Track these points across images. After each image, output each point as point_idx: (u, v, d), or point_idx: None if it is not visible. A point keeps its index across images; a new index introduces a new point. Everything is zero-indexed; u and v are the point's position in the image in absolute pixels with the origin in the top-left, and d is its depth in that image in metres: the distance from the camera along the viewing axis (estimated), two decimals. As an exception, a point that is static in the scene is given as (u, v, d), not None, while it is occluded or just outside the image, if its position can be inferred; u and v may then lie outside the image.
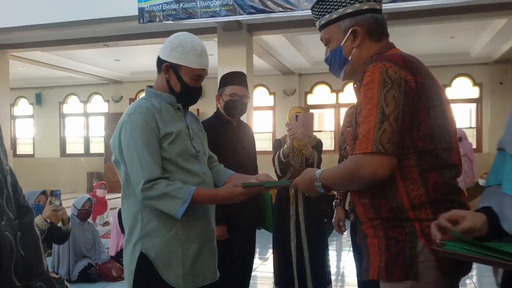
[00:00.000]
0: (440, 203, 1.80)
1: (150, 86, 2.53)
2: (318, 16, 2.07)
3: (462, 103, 12.72)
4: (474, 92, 12.36)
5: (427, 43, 10.56)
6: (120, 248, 6.43)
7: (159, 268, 2.29)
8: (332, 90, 13.26)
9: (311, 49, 11.00)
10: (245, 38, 8.78)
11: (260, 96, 13.69)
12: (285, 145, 4.28)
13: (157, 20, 7.83)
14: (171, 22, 7.81)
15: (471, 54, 11.46)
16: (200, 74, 2.43)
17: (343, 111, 13.04)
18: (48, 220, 4.09)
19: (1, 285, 1.21)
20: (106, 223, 9.17)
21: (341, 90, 13.06)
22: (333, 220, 4.16)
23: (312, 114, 4.41)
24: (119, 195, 8.48)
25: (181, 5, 7.67)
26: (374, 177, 1.78)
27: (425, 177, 1.81)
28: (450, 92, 12.46)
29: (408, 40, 9.92)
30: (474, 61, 11.75)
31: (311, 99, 13.63)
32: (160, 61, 2.44)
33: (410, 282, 1.78)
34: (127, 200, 2.39)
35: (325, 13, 2.03)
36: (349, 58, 2.02)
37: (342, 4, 1.98)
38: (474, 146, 12.13)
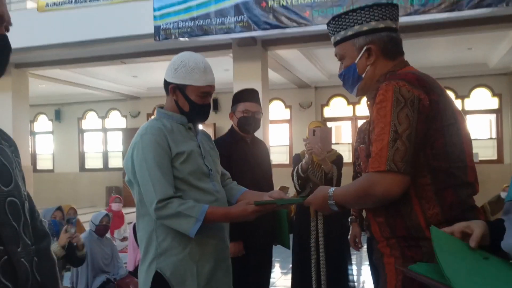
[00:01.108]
0: (456, 222, 1.75)
1: (161, 107, 2.55)
2: (333, 32, 2.08)
3: (482, 114, 12.63)
4: (494, 103, 12.26)
5: (444, 54, 10.52)
6: (137, 263, 6.44)
7: (174, 287, 2.30)
8: (349, 103, 13.24)
9: (326, 62, 11.01)
10: (260, 53, 8.83)
11: (276, 110, 13.71)
12: (304, 160, 4.29)
13: (173, 37, 7.92)
14: (187, 39, 7.88)
15: (489, 65, 11.38)
16: (206, 91, 2.43)
17: (361, 123, 13.04)
18: (65, 246, 4.17)
19: None
20: (124, 238, 9.21)
21: (358, 102, 13.03)
22: (349, 237, 4.14)
23: (329, 129, 4.42)
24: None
25: (196, 22, 7.74)
26: (387, 196, 1.78)
27: (440, 196, 1.80)
28: (469, 103, 12.37)
29: (425, 52, 9.89)
30: (492, 71, 11.67)
31: (327, 112, 13.62)
32: (166, 83, 2.46)
33: None
34: (142, 220, 2.41)
35: (341, 30, 2.03)
36: (363, 75, 2.02)
37: (358, 21, 1.99)
38: (495, 157, 12.02)
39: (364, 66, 2.01)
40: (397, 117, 1.75)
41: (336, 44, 2.08)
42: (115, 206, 9.25)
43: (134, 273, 6.18)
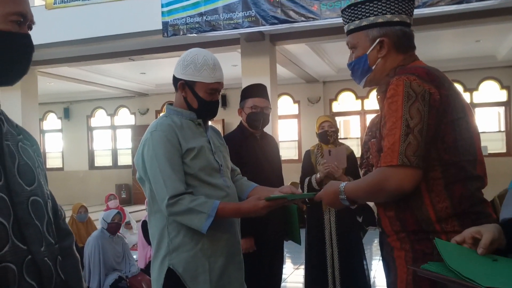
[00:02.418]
0: (466, 215, 1.78)
1: (170, 104, 2.56)
2: (347, 21, 2.07)
3: (490, 107, 12.56)
4: (502, 95, 12.19)
5: (452, 47, 10.47)
6: (148, 259, 6.51)
7: (186, 283, 2.31)
8: (357, 97, 13.21)
9: (334, 56, 10.99)
10: (268, 48, 8.82)
11: (285, 105, 13.70)
12: (318, 175, 4.38)
13: (181, 33, 7.90)
14: (195, 35, 7.88)
15: (497, 57, 11.31)
16: (215, 88, 2.45)
17: (369, 117, 13.07)
18: None
19: None
20: (128, 225, 9.30)
21: (366, 96, 13.00)
22: None
23: (344, 148, 4.56)
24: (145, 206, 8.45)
25: (204, 18, 7.73)
26: (400, 190, 1.78)
27: (450, 190, 1.80)
28: (477, 96, 12.31)
29: (433, 45, 9.84)
30: (500, 64, 11.60)
31: (336, 107, 13.60)
32: (175, 80, 2.47)
33: None
34: (153, 217, 2.42)
35: (355, 19, 2.03)
36: (373, 67, 2.03)
37: (374, 12, 1.98)
38: (504, 150, 11.96)
39: (375, 58, 2.01)
40: (408, 111, 1.76)
41: (349, 33, 2.08)
42: (112, 204, 9.34)
43: (146, 270, 6.23)
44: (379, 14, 1.97)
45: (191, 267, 2.32)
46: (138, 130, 15.43)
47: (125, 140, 16.24)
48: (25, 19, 1.28)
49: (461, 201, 1.80)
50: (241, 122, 3.70)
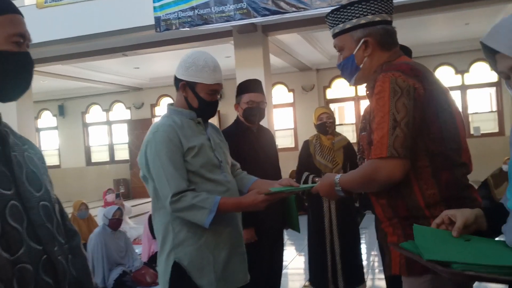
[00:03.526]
0: (453, 200, 1.90)
1: (171, 104, 2.66)
2: (332, 25, 2.18)
3: (482, 88, 12.67)
4: (493, 76, 12.29)
5: (442, 31, 10.55)
6: (152, 253, 6.62)
7: (192, 275, 2.42)
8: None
9: (327, 44, 11.06)
10: (260, 39, 8.89)
11: (279, 94, 13.78)
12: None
13: (174, 28, 7.97)
14: (187, 29, 7.93)
15: (487, 39, 11.40)
16: (215, 89, 2.55)
17: (363, 103, 13.17)
18: None
19: None
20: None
21: (360, 82, 13.05)
22: None
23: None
24: (145, 200, 8.71)
25: (196, 11, 7.79)
26: (390, 180, 1.90)
27: (437, 177, 1.92)
28: (468, 78, 12.43)
29: (423, 29, 9.93)
30: (491, 45, 11.68)
31: (330, 94, 13.69)
32: (177, 80, 2.57)
33: (430, 276, 1.88)
34: (158, 213, 2.53)
35: (339, 22, 2.14)
36: (361, 66, 2.13)
37: (356, 15, 2.09)
38: (496, 130, 12.10)
39: (361, 57, 2.11)
40: (395, 106, 1.87)
41: (335, 36, 2.18)
42: (109, 198, 9.43)
43: (149, 264, 6.33)
44: (361, 16, 2.08)
45: (196, 260, 2.43)
46: (134, 124, 15.51)
47: (121, 135, 16.30)
48: (24, 39, 1.39)
49: (447, 187, 1.92)
50: (237, 117, 3.78)
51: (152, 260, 6.52)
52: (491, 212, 1.63)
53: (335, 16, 2.15)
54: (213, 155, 2.55)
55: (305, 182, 4.67)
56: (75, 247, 1.54)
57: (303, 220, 3.53)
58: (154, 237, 6.67)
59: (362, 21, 2.08)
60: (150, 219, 6.74)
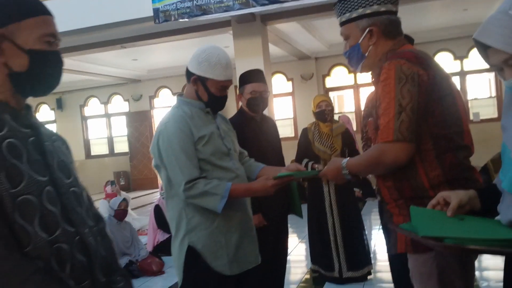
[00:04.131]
0: (456, 181, 1.99)
1: (181, 95, 2.75)
2: (339, 14, 2.27)
3: (481, 73, 12.69)
4: (492, 62, 12.30)
5: (441, 17, 10.57)
6: (156, 243, 6.71)
7: (206, 258, 2.53)
8: (350, 71, 13.29)
9: (325, 32, 11.07)
10: (259, 28, 8.89)
11: (279, 83, 13.79)
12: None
13: (172, 19, 7.97)
14: (186, 20, 7.94)
15: (485, 24, 11.41)
16: (225, 85, 2.64)
17: (363, 91, 13.21)
18: None
19: (92, 282, 1.44)
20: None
21: (358, 70, 13.07)
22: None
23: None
24: (145, 192, 8.87)
25: (194, 2, 7.80)
26: (396, 162, 1.99)
27: (441, 159, 2.02)
28: (467, 64, 12.45)
29: (422, 16, 9.94)
30: (489, 30, 11.70)
31: (329, 82, 13.71)
32: (188, 73, 2.65)
33: (434, 253, 1.99)
34: (171, 200, 2.62)
35: (346, 12, 2.22)
36: (366, 54, 2.22)
37: (362, 5, 2.18)
38: (496, 115, 12.15)
39: (366, 45, 2.21)
40: (400, 92, 1.97)
41: (342, 24, 2.27)
42: (109, 189, 9.49)
43: (154, 253, 6.40)
44: (366, 6, 2.17)
45: (209, 243, 2.53)
46: (132, 117, 15.52)
47: (120, 127, 16.31)
48: (55, 39, 1.49)
49: (451, 169, 2.02)
50: (241, 107, 3.85)
51: (157, 250, 6.60)
52: (484, 193, 1.73)
53: (342, 5, 2.24)
54: (222, 143, 2.64)
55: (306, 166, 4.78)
56: (101, 229, 1.63)
57: (303, 208, 3.63)
58: (159, 227, 6.74)
59: (368, 11, 2.17)
60: (155, 210, 6.82)
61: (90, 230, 1.50)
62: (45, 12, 1.48)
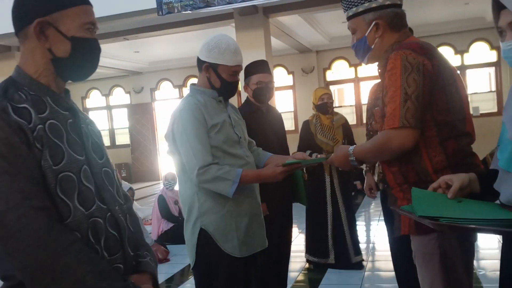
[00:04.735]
0: (458, 166, 2.08)
1: (194, 84, 2.85)
2: (346, 8, 2.36)
3: (481, 68, 12.78)
4: (492, 56, 12.39)
5: (442, 11, 10.61)
6: (161, 232, 6.84)
7: (217, 240, 2.64)
8: (351, 65, 13.37)
9: (327, 26, 11.12)
10: (261, 21, 8.94)
11: (279, 76, 13.83)
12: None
13: (176, 11, 8.01)
14: (189, 12, 7.99)
15: (486, 19, 11.46)
16: (236, 70, 2.74)
17: (363, 85, 13.28)
18: None
19: (123, 254, 1.55)
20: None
21: (360, 64, 13.13)
22: (364, 186, 4.47)
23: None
24: (146, 184, 9.04)
25: (197, -6, 7.83)
26: (402, 148, 2.09)
27: (444, 145, 2.12)
28: (468, 58, 12.51)
29: (423, 10, 9.99)
30: (489, 25, 11.71)
31: (330, 76, 13.77)
32: (200, 62, 2.76)
33: (436, 234, 2.10)
34: (184, 185, 2.73)
35: (353, 6, 2.32)
36: (372, 46, 2.32)
37: None
38: (495, 110, 12.22)
39: (373, 38, 2.30)
40: (406, 81, 2.07)
41: (349, 18, 2.37)
42: None
43: (159, 241, 6.52)
44: (372, 0, 2.26)
45: (221, 226, 2.65)
46: (134, 109, 15.56)
47: (121, 119, 16.36)
48: (94, 27, 1.58)
49: (453, 154, 2.13)
50: (247, 98, 3.93)
51: (162, 238, 6.71)
52: (483, 176, 1.82)
53: (349, 0, 2.33)
54: (233, 132, 2.75)
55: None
56: (129, 208, 1.73)
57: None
58: (163, 217, 6.84)
59: (373, 5, 2.26)
60: (159, 200, 6.93)
61: (120, 208, 1.60)
62: (86, 1, 1.57)
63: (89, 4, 1.58)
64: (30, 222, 1.30)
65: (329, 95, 5.13)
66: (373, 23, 2.26)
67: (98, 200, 1.50)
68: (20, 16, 1.51)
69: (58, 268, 1.30)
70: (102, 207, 1.50)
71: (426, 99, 2.08)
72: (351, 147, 2.31)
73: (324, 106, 5.09)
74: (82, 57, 1.54)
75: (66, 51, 1.51)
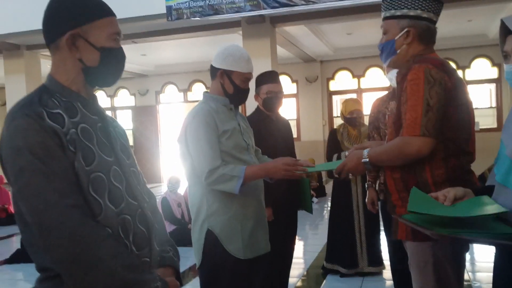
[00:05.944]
0: (456, 181, 2.17)
1: (207, 91, 3.00)
2: (385, 8, 2.46)
3: (482, 84, 12.92)
4: (493, 73, 12.56)
5: (445, 27, 10.74)
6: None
7: (223, 242, 2.77)
8: (354, 76, 13.52)
9: (332, 37, 11.27)
10: (268, 30, 9.11)
11: (283, 84, 13.82)
12: (347, 153, 5.02)
13: (185, 17, 8.18)
14: (198, 19, 8.15)
15: (488, 36, 11.63)
16: (248, 77, 2.90)
17: (366, 96, 13.39)
18: None
19: (150, 249, 1.66)
20: None
21: (363, 75, 13.31)
22: (366, 200, 4.57)
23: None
24: (149, 186, 9.01)
25: (207, 1, 8.00)
26: (419, 153, 2.20)
27: (446, 161, 2.24)
28: (469, 73, 12.66)
29: (426, 25, 10.10)
30: (492, 42, 11.89)
31: (333, 85, 13.90)
32: (214, 69, 2.90)
33: (432, 242, 2.21)
34: (194, 187, 2.87)
35: (392, 8, 2.41)
36: (398, 51, 2.41)
37: (407, 6, 2.37)
38: (495, 125, 12.35)
39: (401, 43, 2.40)
40: (429, 92, 2.18)
41: (384, 19, 2.46)
42: None
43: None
44: (411, 8, 2.36)
45: (226, 228, 2.78)
46: (138, 111, 15.66)
47: (125, 121, 16.42)
48: (120, 36, 1.70)
49: (454, 170, 2.25)
50: (257, 107, 4.08)
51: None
52: (479, 192, 1.91)
53: (390, 2, 2.42)
54: (242, 139, 2.89)
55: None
56: (154, 206, 1.85)
57: (321, 204, 3.78)
58: (166, 219, 6.96)
59: (411, 13, 2.35)
60: (163, 202, 7.04)
61: (147, 205, 1.72)
62: (112, 13, 1.69)
63: (114, 15, 1.69)
64: (67, 219, 1.41)
65: (360, 111, 5.32)
66: (405, 29, 2.35)
67: (129, 197, 1.61)
68: (52, 29, 1.62)
69: (91, 261, 1.41)
70: (133, 203, 1.62)
71: (441, 114, 2.19)
72: (366, 150, 2.40)
73: (353, 120, 5.29)
74: (110, 65, 1.66)
75: (95, 61, 1.62)
